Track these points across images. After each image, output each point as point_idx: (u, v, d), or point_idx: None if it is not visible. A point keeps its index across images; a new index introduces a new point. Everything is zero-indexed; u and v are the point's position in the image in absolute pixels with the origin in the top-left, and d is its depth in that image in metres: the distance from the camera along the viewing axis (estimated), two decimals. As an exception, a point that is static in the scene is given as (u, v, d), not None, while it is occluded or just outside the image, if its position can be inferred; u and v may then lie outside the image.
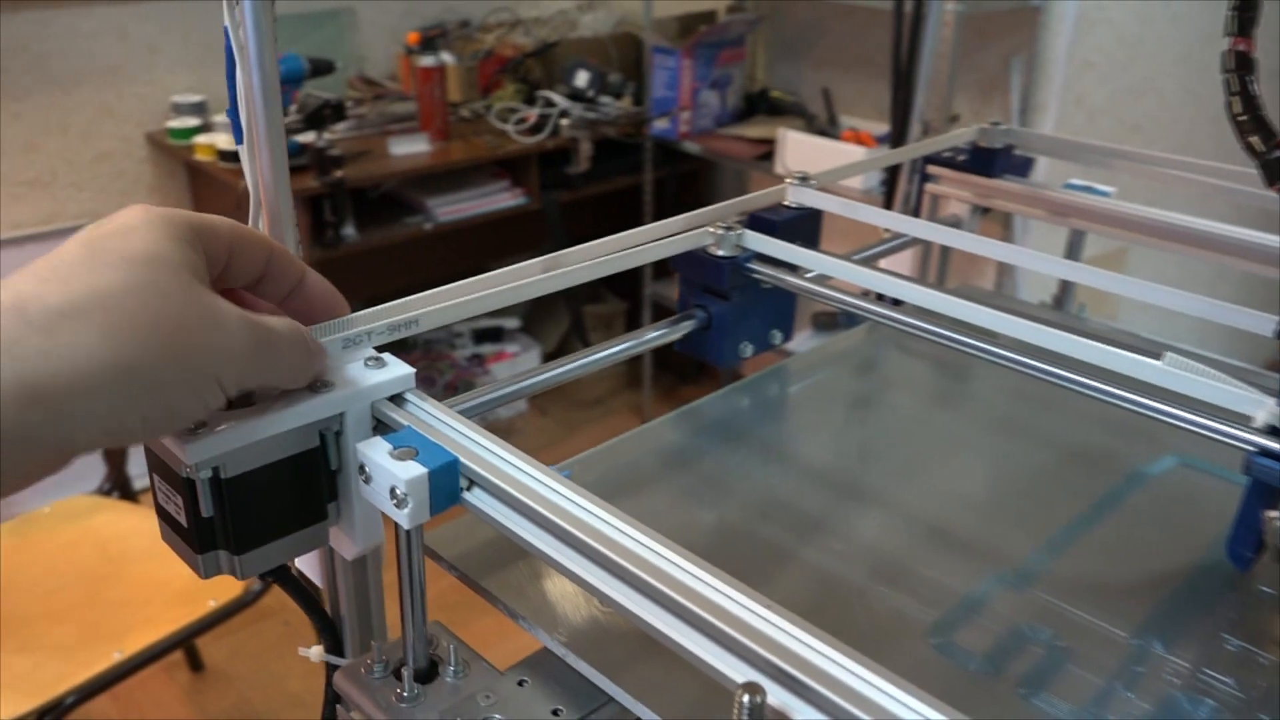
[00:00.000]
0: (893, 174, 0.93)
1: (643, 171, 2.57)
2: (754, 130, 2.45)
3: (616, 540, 0.37)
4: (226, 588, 1.39)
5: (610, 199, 2.56)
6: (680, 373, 2.90)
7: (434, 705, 0.44)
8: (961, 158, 0.82)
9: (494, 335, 2.76)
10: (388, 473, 0.40)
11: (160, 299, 0.36)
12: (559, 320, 2.91)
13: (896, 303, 0.68)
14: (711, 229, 0.63)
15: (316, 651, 0.55)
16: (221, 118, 2.25)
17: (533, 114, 2.41)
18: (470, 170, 2.39)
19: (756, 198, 0.69)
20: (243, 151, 0.48)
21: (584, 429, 2.70)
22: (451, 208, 2.31)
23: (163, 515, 0.44)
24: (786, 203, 0.69)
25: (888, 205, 0.94)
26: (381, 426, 0.45)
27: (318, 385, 0.44)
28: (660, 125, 2.51)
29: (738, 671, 0.33)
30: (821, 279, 0.65)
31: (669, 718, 0.42)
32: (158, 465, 0.43)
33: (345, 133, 2.31)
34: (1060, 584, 0.51)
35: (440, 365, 2.63)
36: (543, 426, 2.70)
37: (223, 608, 1.38)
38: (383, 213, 2.28)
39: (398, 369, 0.46)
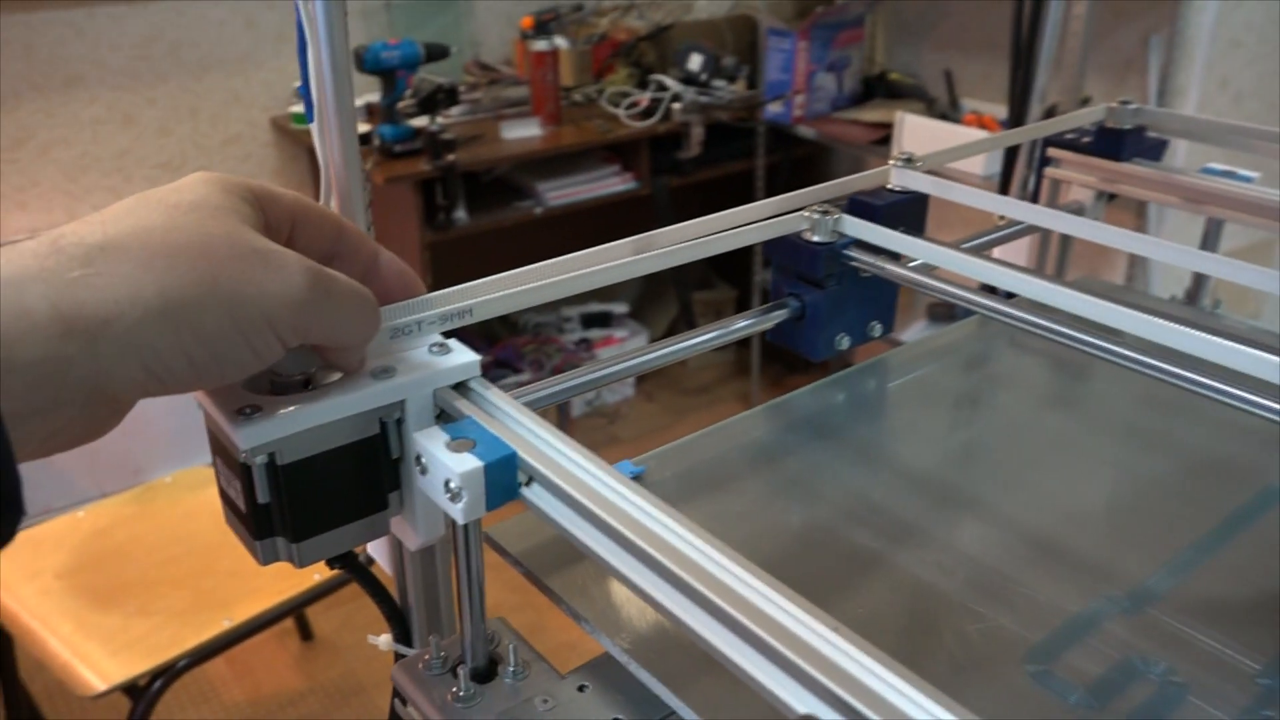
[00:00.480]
0: (1010, 160, 0.87)
1: (755, 156, 2.52)
2: (871, 114, 2.37)
3: (675, 547, 0.34)
4: (332, 570, 1.42)
5: (721, 184, 2.52)
6: (789, 362, 2.84)
7: (490, 707, 0.43)
8: (1087, 139, 0.76)
9: (602, 320, 2.76)
10: (443, 465, 0.38)
11: (205, 237, 0.34)
12: (668, 306, 2.89)
13: (1009, 296, 0.63)
14: (807, 213, 0.60)
15: (385, 640, 0.54)
16: (341, 102, 2.30)
17: (645, 98, 2.39)
18: (581, 154, 2.38)
19: (858, 180, 0.65)
20: (314, 129, 0.47)
21: (689, 416, 2.68)
22: (561, 192, 2.31)
23: (225, 499, 0.44)
24: (890, 186, 0.65)
25: (1003, 193, 0.88)
26: (444, 415, 0.43)
27: (378, 371, 0.42)
28: (774, 109, 2.45)
29: (798, 699, 0.30)
30: (926, 268, 0.60)
31: (734, 736, 0.39)
32: (218, 448, 0.42)
33: (458, 117, 2.33)
34: (1180, 611, 0.46)
35: (548, 349, 2.64)
36: (648, 412, 2.69)
37: (326, 582, 1.41)
38: (494, 196, 2.29)
39: (462, 355, 0.44)
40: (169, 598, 1.39)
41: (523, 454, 0.39)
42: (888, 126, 2.25)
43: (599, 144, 2.33)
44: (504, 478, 0.39)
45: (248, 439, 0.39)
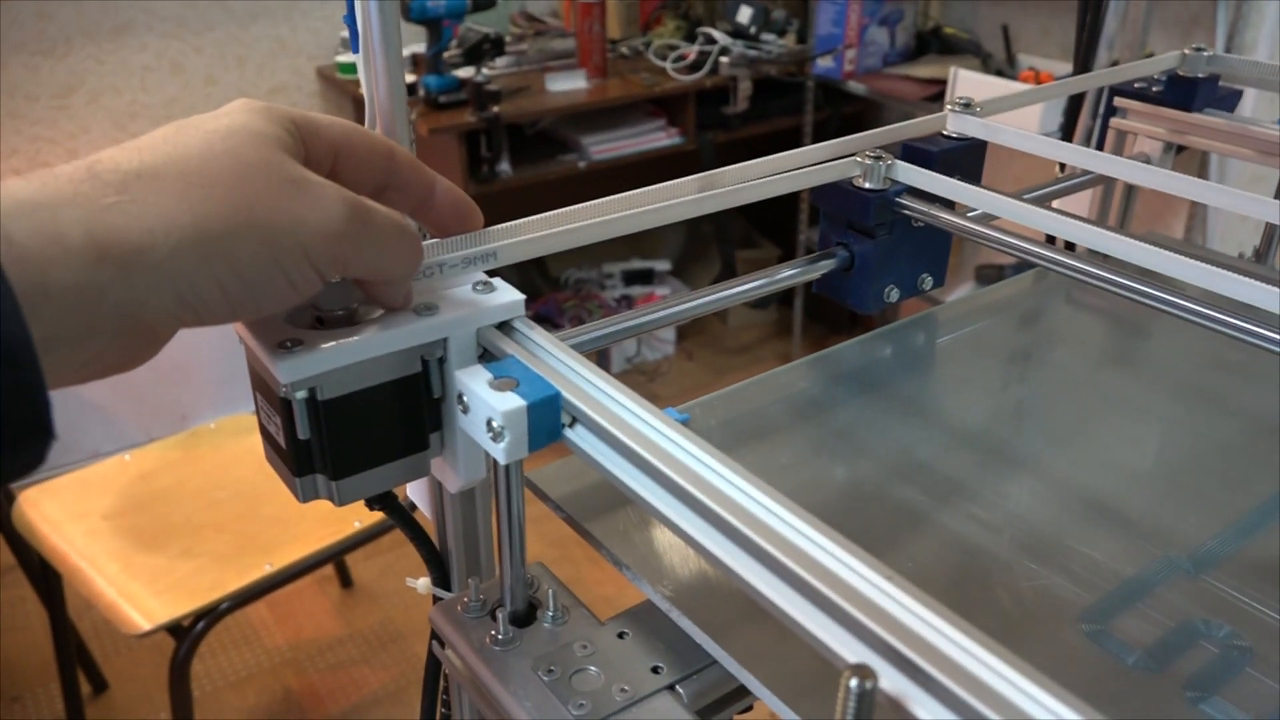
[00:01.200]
0: (1073, 111, 0.84)
1: (803, 113, 2.47)
2: (924, 70, 2.31)
3: (723, 491, 0.33)
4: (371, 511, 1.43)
5: (768, 141, 2.48)
6: (831, 322, 2.81)
7: (528, 651, 0.42)
8: (1156, 89, 0.73)
9: (644, 277, 2.74)
10: (485, 403, 0.38)
11: (242, 166, 0.34)
12: (710, 264, 2.87)
13: (1069, 249, 0.61)
14: (859, 158, 0.58)
15: (424, 583, 0.54)
16: (387, 52, 2.28)
17: (692, 51, 2.35)
18: (626, 108, 2.35)
19: (913, 125, 0.62)
20: (359, 60, 0.46)
21: (730, 375, 2.66)
22: (606, 146, 2.28)
23: (265, 435, 0.43)
24: (946, 132, 0.63)
25: (1067, 137, 0.85)
26: (487, 355, 0.42)
27: (420, 308, 0.41)
28: (824, 64, 2.40)
29: (850, 650, 0.29)
30: (983, 218, 0.58)
31: (778, 689, 0.38)
32: (259, 383, 0.42)
33: (504, 68, 2.31)
34: (1244, 574, 0.44)
35: (590, 305, 2.63)
36: (688, 370, 2.68)
37: (366, 530, 1.42)
38: (538, 150, 2.28)
39: (507, 295, 0.43)
40: (212, 541, 1.41)
41: (567, 394, 0.38)
42: (941, 83, 2.20)
43: (645, 98, 2.30)
44: (547, 418, 0.38)
45: (288, 373, 0.38)
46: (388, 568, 1.99)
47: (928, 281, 0.62)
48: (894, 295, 0.61)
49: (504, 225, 0.46)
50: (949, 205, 0.58)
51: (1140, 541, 0.47)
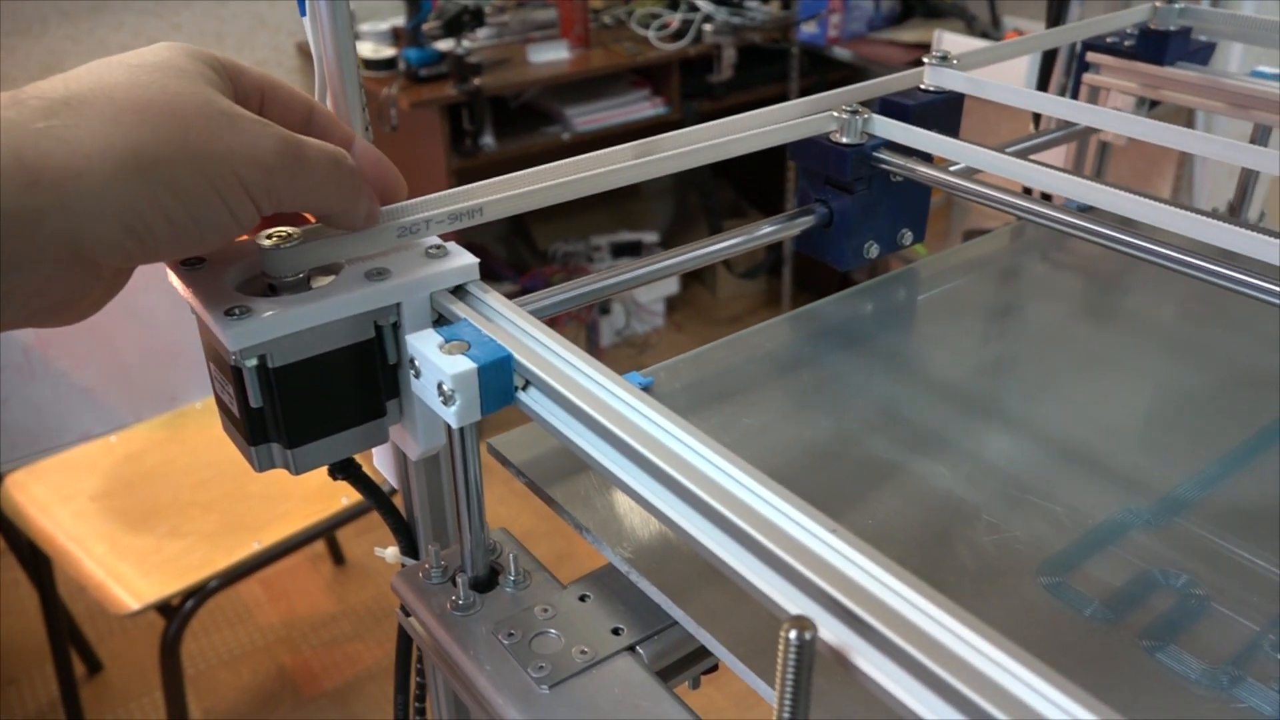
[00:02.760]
0: (1046, 69, 0.84)
1: (788, 80, 2.46)
2: (909, 34, 2.30)
3: (668, 447, 0.33)
4: (334, 480, 1.43)
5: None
6: (820, 291, 2.78)
7: (489, 615, 0.42)
8: (1128, 43, 0.72)
9: (632, 249, 2.73)
10: (435, 367, 0.37)
11: (171, 95, 0.33)
12: (699, 235, 2.85)
13: (1045, 201, 0.61)
14: (835, 113, 0.57)
15: (392, 552, 0.54)
16: (367, 27, 2.26)
17: (675, 19, 2.33)
18: (610, 79, 2.33)
19: (891, 80, 0.62)
20: (306, 24, 0.45)
21: (721, 346, 2.66)
22: (590, 117, 2.27)
23: (221, 406, 0.43)
24: (924, 86, 0.62)
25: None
26: (442, 321, 0.42)
27: (372, 273, 0.41)
28: (808, 30, 2.38)
29: (794, 603, 0.29)
30: (964, 172, 0.58)
31: (734, 647, 0.38)
32: (211, 353, 0.41)
33: (485, 40, 2.28)
34: (1205, 524, 0.44)
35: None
36: (677, 343, 2.67)
37: (353, 506, 1.42)
38: (521, 122, 2.26)
39: (460, 259, 0.43)
40: (200, 520, 1.41)
41: (519, 357, 0.38)
42: (926, 47, 2.18)
43: (628, 67, 2.28)
44: (499, 381, 0.38)
45: (236, 339, 0.38)
46: (379, 544, 1.99)
47: (907, 237, 0.62)
48: (874, 251, 0.61)
49: (489, 181, 0.46)
50: (927, 159, 0.57)
51: (1103, 494, 0.47)
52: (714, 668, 0.44)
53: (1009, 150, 0.66)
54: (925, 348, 0.61)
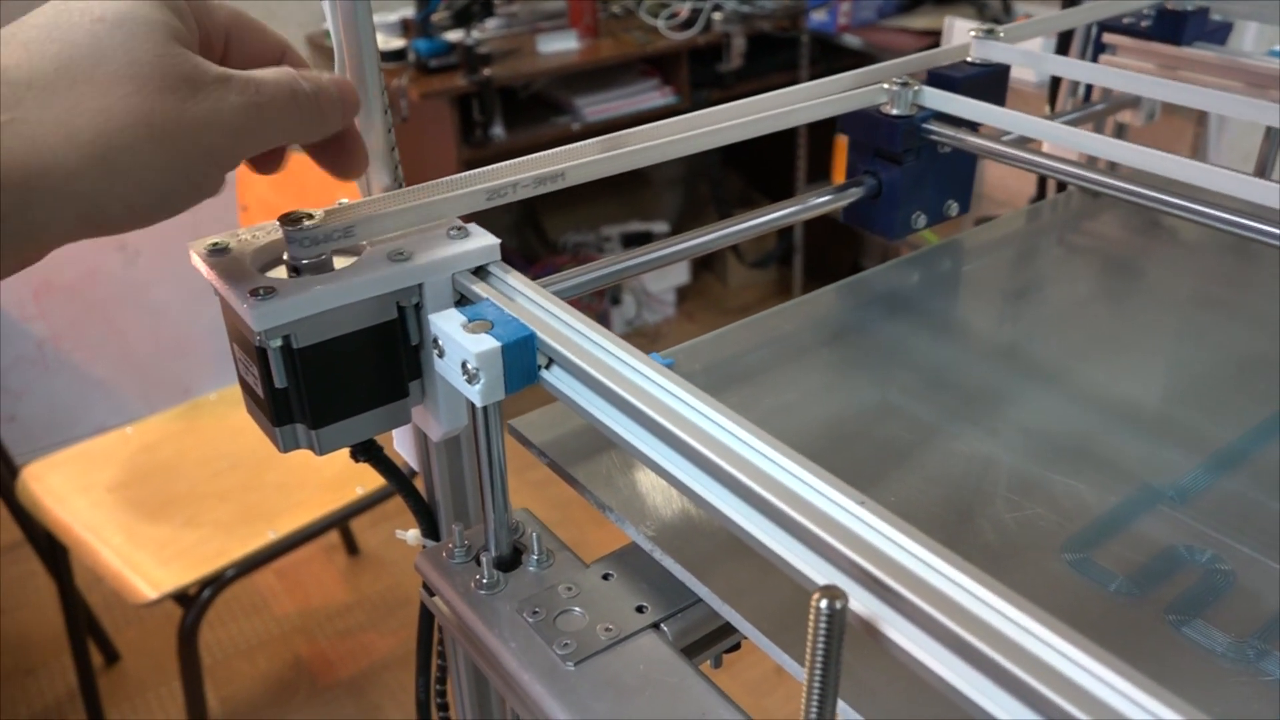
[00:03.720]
0: (1062, 51, 0.83)
1: (798, 68, 2.45)
2: (920, 21, 2.29)
3: (694, 422, 0.33)
4: (374, 476, 1.43)
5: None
6: (832, 279, 2.79)
7: (513, 594, 0.42)
8: (1145, 23, 0.72)
9: (643, 240, 2.73)
10: (459, 345, 0.37)
11: (135, 66, 0.32)
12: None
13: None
14: (886, 85, 0.58)
15: (414, 534, 0.54)
16: (377, 19, 2.26)
17: (684, 8, 2.33)
18: (619, 68, 2.33)
19: (937, 54, 0.63)
20: (328, 17, 0.45)
21: (731, 336, 2.66)
22: (599, 107, 2.26)
23: (244, 386, 0.43)
24: (970, 59, 0.63)
25: (1053, 90, 0.84)
26: (464, 301, 0.42)
27: (394, 255, 0.41)
28: (818, 17, 2.38)
29: (823, 575, 0.29)
30: (1018, 141, 0.59)
31: (759, 623, 0.38)
32: (235, 335, 0.42)
33: (494, 30, 2.28)
34: (1229, 501, 0.44)
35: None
36: (689, 332, 2.67)
37: (369, 495, 1.43)
38: (531, 112, 2.26)
39: (481, 239, 0.43)
40: (215, 510, 1.41)
41: (542, 335, 0.38)
42: (937, 34, 2.17)
43: (638, 57, 2.28)
44: (522, 359, 0.38)
45: (261, 320, 0.38)
46: (393, 534, 2.00)
47: (953, 208, 0.63)
48: (921, 222, 0.62)
49: (571, 146, 0.47)
50: (973, 130, 0.58)
51: (1127, 470, 0.47)
52: (737, 646, 0.44)
53: (1060, 121, 0.67)
54: (944, 329, 0.61)
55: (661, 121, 0.51)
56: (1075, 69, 0.62)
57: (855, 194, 0.60)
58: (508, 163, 0.45)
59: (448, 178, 0.44)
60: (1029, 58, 0.62)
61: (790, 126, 0.54)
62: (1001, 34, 0.63)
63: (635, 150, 0.49)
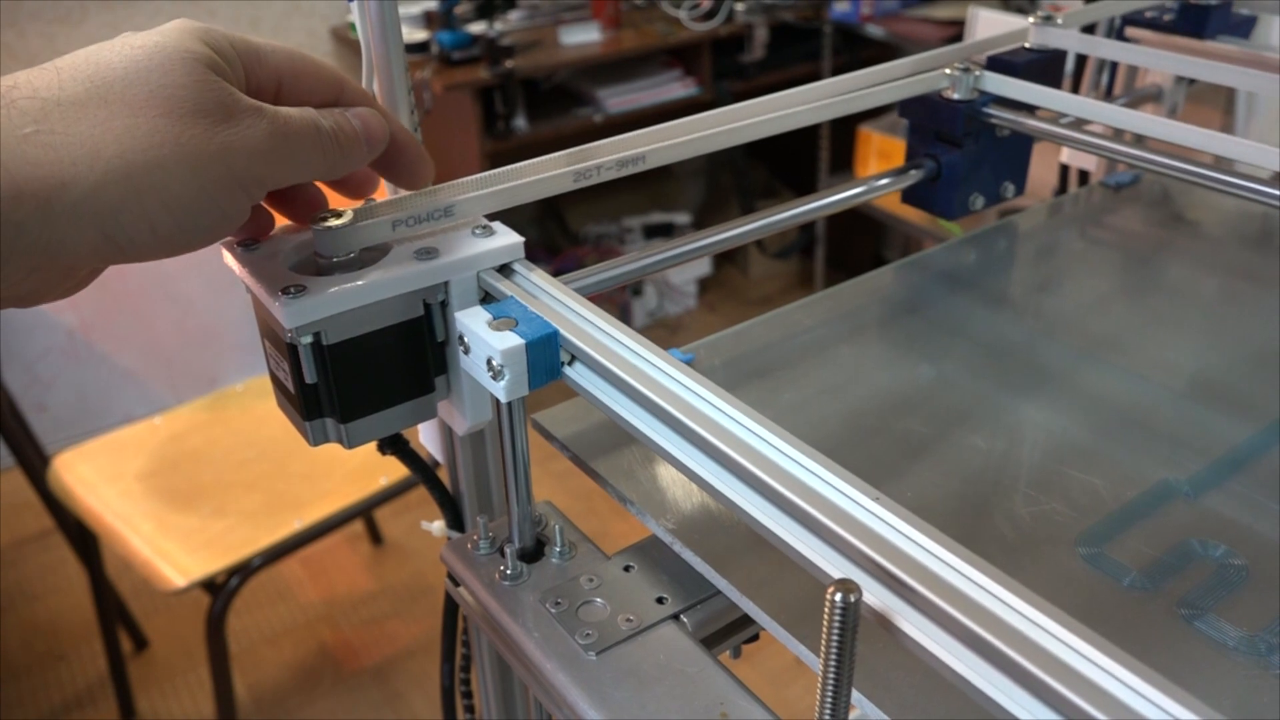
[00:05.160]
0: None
1: (821, 59, 2.44)
2: (943, 11, 2.28)
3: (713, 419, 0.34)
4: (397, 467, 1.45)
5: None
6: (853, 270, 2.79)
7: (536, 585, 0.43)
8: (1168, 17, 0.71)
9: (664, 231, 2.73)
10: (484, 343, 0.38)
11: (166, 90, 0.32)
12: (731, 215, 2.85)
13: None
14: (948, 70, 0.60)
15: (439, 526, 0.55)
16: (402, 11, 2.27)
17: (706, -1, 2.33)
18: (641, 60, 2.33)
19: (996, 39, 0.64)
20: (354, 12, 0.46)
21: (753, 327, 2.66)
22: (622, 99, 2.27)
23: (275, 382, 0.44)
24: (1028, 45, 0.64)
25: (1077, 79, 0.84)
26: (488, 298, 0.43)
27: (421, 253, 0.42)
28: (841, 8, 2.37)
29: (837, 568, 0.30)
30: (1078, 124, 0.60)
31: (778, 615, 0.39)
32: (266, 331, 0.43)
33: (517, 22, 2.29)
34: (1243, 496, 0.44)
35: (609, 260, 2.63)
36: (710, 324, 2.68)
37: (393, 485, 1.45)
38: (553, 104, 2.27)
39: (506, 237, 0.44)
40: (243, 500, 1.43)
41: (565, 333, 0.39)
42: (960, 25, 2.16)
43: (660, 48, 2.28)
44: (546, 356, 0.39)
45: (292, 317, 0.39)
46: (416, 524, 2.02)
47: (1009, 190, 0.65)
48: (979, 203, 0.63)
49: (649, 129, 0.49)
50: (1031, 114, 0.60)
51: (1140, 466, 0.47)
52: (755, 637, 0.45)
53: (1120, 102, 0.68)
54: (961, 322, 0.61)
55: (749, 101, 0.52)
56: (1135, 55, 0.64)
57: (915, 176, 0.61)
58: (591, 145, 0.47)
59: (530, 160, 0.45)
60: (1087, 43, 0.63)
61: (859, 110, 0.56)
62: (1060, 20, 0.65)
63: (714, 133, 0.50)
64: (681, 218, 2.76)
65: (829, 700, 0.28)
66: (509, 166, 0.45)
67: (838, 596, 0.27)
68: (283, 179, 0.37)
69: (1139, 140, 0.61)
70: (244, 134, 0.34)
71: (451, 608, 0.55)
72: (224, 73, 0.35)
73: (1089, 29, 0.81)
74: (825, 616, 0.27)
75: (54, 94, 0.32)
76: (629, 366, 0.37)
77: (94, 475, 1.48)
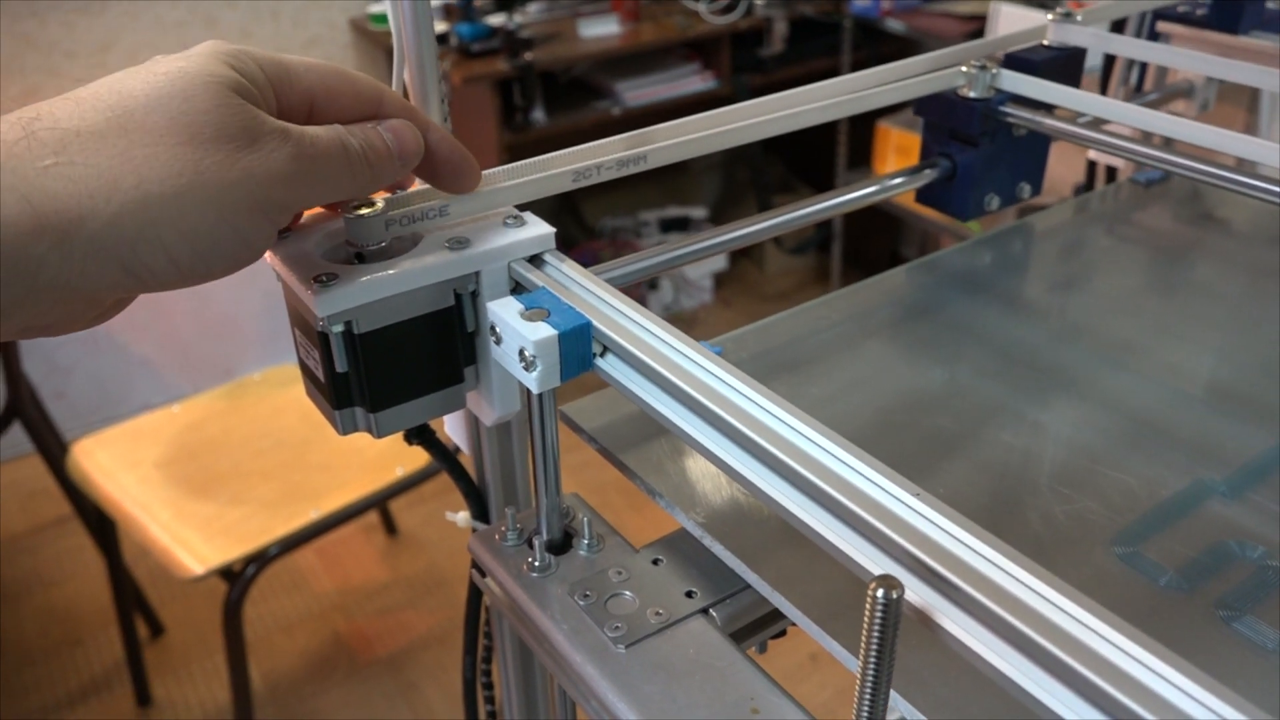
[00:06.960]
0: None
1: (840, 53, 2.43)
2: (965, 6, 2.26)
3: (749, 413, 0.33)
4: (414, 457, 1.45)
5: (804, 83, 2.42)
6: (870, 267, 2.78)
7: (564, 577, 0.43)
8: (1200, 12, 0.71)
9: (680, 225, 2.73)
10: (517, 333, 0.38)
11: (187, 118, 0.32)
12: (747, 210, 2.85)
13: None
14: (964, 68, 0.59)
15: (463, 517, 0.55)
16: (418, 2, 2.27)
17: (726, -8, 2.32)
18: (660, 53, 2.33)
19: (1013, 36, 0.63)
20: (387, 6, 0.46)
21: (768, 322, 2.65)
22: (640, 91, 2.26)
23: (305, 370, 0.44)
24: (1047, 43, 0.63)
25: (1105, 76, 0.83)
26: (519, 289, 0.43)
27: (453, 243, 0.42)
28: (861, 2, 2.35)
29: (878, 565, 0.29)
30: (1096, 123, 0.59)
31: (810, 610, 0.38)
32: (297, 319, 0.43)
33: (536, 15, 2.29)
34: (1281, 498, 0.44)
35: (625, 254, 2.62)
36: (726, 318, 2.67)
37: (409, 476, 1.45)
38: (571, 97, 2.26)
39: (537, 228, 0.43)
40: (260, 489, 1.44)
41: (597, 324, 0.38)
42: (982, 20, 2.15)
43: (678, 41, 2.28)
44: (578, 347, 0.38)
45: (325, 306, 0.39)
46: (431, 515, 2.03)
47: (1026, 190, 0.64)
48: (994, 204, 0.62)
49: (653, 128, 0.48)
50: (1049, 113, 0.59)
51: (1177, 465, 0.46)
52: (783, 632, 0.45)
53: (1137, 104, 0.67)
54: (993, 318, 0.60)
55: (744, 103, 0.52)
56: (1151, 52, 0.62)
57: (930, 176, 0.60)
58: (592, 144, 0.46)
59: (537, 159, 0.45)
60: (1107, 41, 0.62)
61: (875, 108, 0.55)
62: (1079, 17, 0.64)
63: (742, 126, 0.50)
64: (698, 212, 2.76)
65: (868, 697, 0.27)
66: (541, 156, 0.45)
67: (879, 593, 0.26)
68: (309, 201, 0.36)
69: (1159, 140, 0.60)
70: (267, 158, 0.33)
71: (474, 599, 0.55)
72: (250, 95, 0.34)
73: (1119, 24, 0.81)
74: (866, 613, 0.27)
75: (74, 124, 0.31)
76: (663, 359, 0.36)
77: (112, 462, 1.49)
